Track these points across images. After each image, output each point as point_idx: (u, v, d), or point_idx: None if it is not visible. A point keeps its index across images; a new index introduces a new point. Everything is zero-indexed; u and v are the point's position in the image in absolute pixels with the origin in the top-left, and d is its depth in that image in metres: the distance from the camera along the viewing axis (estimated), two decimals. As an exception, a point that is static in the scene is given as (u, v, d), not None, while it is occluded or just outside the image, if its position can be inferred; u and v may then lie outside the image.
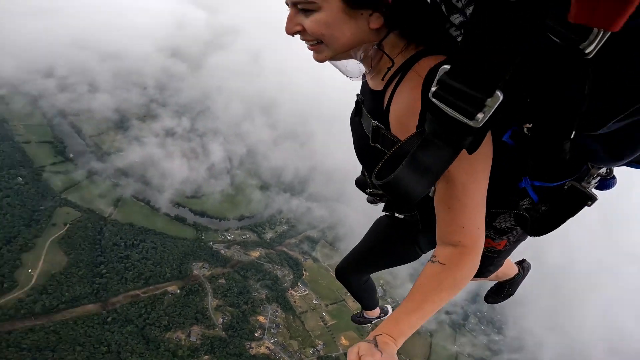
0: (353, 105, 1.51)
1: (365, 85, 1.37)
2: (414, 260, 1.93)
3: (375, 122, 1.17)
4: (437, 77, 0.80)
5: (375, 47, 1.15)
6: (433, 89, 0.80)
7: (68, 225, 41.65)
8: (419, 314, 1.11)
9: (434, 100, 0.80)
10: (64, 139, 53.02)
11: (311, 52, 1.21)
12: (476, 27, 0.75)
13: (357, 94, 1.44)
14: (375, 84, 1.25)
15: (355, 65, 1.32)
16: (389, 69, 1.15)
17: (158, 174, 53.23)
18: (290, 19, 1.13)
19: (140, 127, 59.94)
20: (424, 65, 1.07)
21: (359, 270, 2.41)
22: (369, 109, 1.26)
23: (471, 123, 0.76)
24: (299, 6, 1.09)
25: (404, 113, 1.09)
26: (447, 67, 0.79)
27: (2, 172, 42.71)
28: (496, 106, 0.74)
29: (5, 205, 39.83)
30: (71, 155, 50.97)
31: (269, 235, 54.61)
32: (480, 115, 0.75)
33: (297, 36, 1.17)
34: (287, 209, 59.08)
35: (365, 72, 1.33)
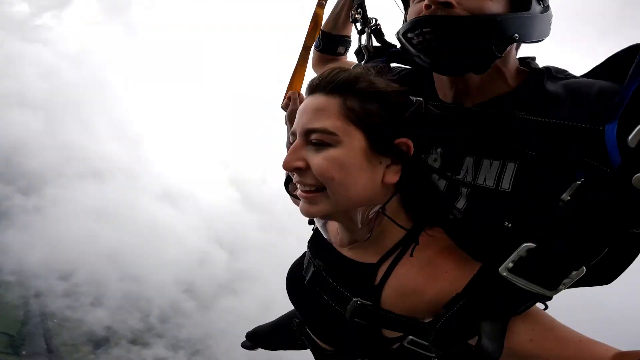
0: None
1: (329, 252, 1.12)
2: None
3: (359, 300, 0.96)
4: (516, 254, 0.77)
5: (379, 210, 0.95)
6: (510, 264, 0.77)
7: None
8: None
9: (507, 275, 0.77)
10: (28, 338, 44.51)
11: (301, 202, 0.97)
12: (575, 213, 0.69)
13: (313, 259, 1.15)
14: (361, 255, 1.04)
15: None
16: (399, 242, 0.98)
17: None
18: (295, 150, 0.91)
19: (128, 349, 49.62)
20: (430, 239, 0.97)
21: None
22: (341, 280, 1.04)
23: (548, 293, 0.76)
24: (313, 137, 0.89)
25: (412, 290, 0.93)
26: (532, 245, 0.75)
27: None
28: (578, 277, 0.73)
29: None
30: (24, 352, 42.21)
31: None
32: (562, 287, 0.75)
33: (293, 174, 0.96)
34: None
35: (338, 239, 1.10)
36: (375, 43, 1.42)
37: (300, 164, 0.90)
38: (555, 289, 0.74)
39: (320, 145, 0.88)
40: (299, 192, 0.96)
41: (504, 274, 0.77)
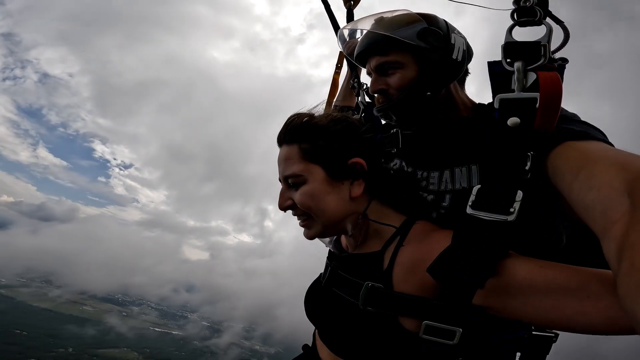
0: None
1: (342, 255, 1.27)
2: None
3: (370, 283, 1.05)
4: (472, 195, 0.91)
5: (361, 217, 1.14)
6: (470, 204, 0.90)
7: None
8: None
9: (472, 212, 0.88)
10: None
11: (303, 230, 1.20)
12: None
13: (330, 264, 1.31)
14: (367, 249, 1.17)
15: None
16: (395, 234, 1.10)
17: None
18: (282, 194, 1.15)
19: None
20: (423, 226, 1.10)
21: None
22: (353, 273, 1.15)
23: (508, 218, 0.83)
24: (289, 180, 1.11)
25: (418, 260, 1.01)
26: (479, 186, 0.92)
27: None
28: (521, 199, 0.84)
29: None
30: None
31: None
32: (514, 210, 0.83)
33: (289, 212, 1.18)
34: None
35: (346, 242, 1.29)
36: (367, 99, 1.75)
37: (288, 202, 1.13)
38: (509, 213, 0.83)
39: (296, 185, 1.10)
40: (298, 223, 1.19)
41: (469, 212, 0.89)
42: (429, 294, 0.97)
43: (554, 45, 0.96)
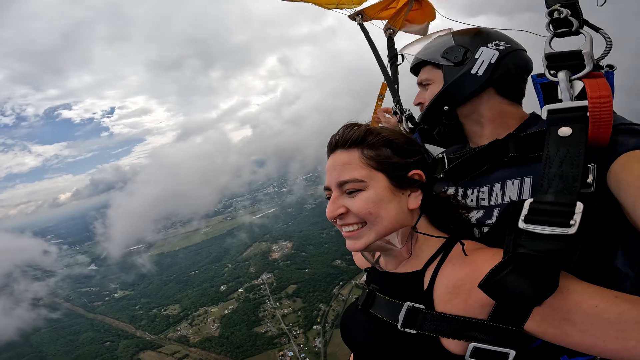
0: None
1: (381, 276, 1.26)
2: None
3: (411, 304, 1.02)
4: (525, 207, 0.86)
5: (412, 229, 1.13)
6: (523, 217, 0.85)
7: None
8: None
9: (525, 227, 0.83)
10: None
11: (347, 241, 1.14)
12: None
13: (367, 285, 1.27)
14: (405, 267, 1.16)
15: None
16: (439, 249, 1.10)
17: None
18: (334, 201, 1.11)
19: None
20: (466, 244, 1.05)
21: None
22: (392, 293, 1.13)
23: (568, 231, 0.77)
24: (346, 187, 1.08)
25: (461, 281, 0.97)
26: (531, 199, 0.87)
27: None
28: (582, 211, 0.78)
29: None
30: None
31: None
32: (574, 223, 0.77)
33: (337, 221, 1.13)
34: None
35: (383, 259, 1.27)
36: (410, 125, 1.88)
37: (341, 210, 1.09)
38: (569, 225, 0.77)
39: (354, 192, 1.08)
40: (344, 233, 1.14)
41: (522, 226, 0.83)
42: (474, 315, 0.94)
43: (597, 53, 0.96)
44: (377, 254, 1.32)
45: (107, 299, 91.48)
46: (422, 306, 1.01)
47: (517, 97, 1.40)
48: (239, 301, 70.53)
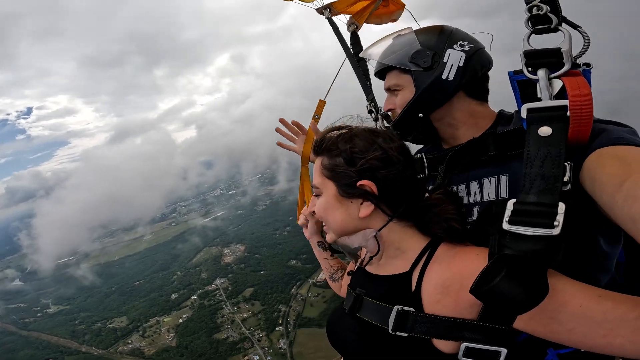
0: None
1: (366, 278, 1.25)
2: None
3: (400, 307, 1.02)
4: (508, 209, 0.85)
5: (375, 235, 1.14)
6: (507, 219, 0.84)
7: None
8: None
9: (509, 228, 0.83)
10: None
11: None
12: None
13: (353, 290, 1.24)
14: (392, 269, 1.15)
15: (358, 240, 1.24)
16: (424, 249, 1.09)
17: None
18: (312, 201, 1.33)
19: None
20: (450, 246, 1.07)
21: None
22: (380, 296, 1.12)
23: (552, 232, 0.78)
24: (314, 191, 1.22)
25: (449, 280, 0.98)
26: (514, 200, 0.86)
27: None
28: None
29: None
30: None
31: None
32: (557, 223, 0.77)
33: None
34: None
35: (366, 260, 1.28)
36: (386, 124, 1.76)
37: (313, 209, 1.33)
38: (553, 227, 0.77)
39: (317, 196, 1.21)
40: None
41: (506, 227, 0.83)
42: (464, 314, 0.95)
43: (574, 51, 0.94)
44: (364, 254, 1.35)
45: (39, 315, 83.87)
46: (411, 309, 1.01)
47: (484, 96, 1.44)
48: (194, 309, 68.88)
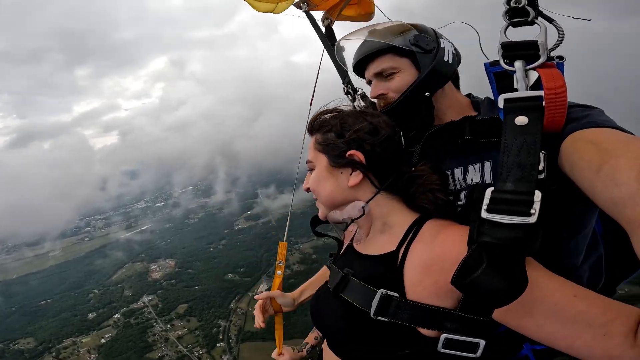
0: None
1: (354, 258, 1.26)
2: None
3: (384, 291, 1.01)
4: (486, 198, 0.84)
5: (364, 206, 1.16)
6: (485, 207, 0.83)
7: None
8: None
9: (487, 217, 0.82)
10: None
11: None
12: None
13: (341, 269, 1.22)
14: (380, 249, 1.15)
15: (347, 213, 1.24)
16: (410, 227, 1.11)
17: None
18: (307, 177, 1.29)
19: None
20: (435, 222, 1.09)
21: None
22: (365, 277, 1.12)
23: (529, 220, 0.77)
24: (307, 166, 1.27)
25: (431, 260, 0.99)
26: (492, 188, 0.85)
27: None
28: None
29: None
30: None
31: None
32: (534, 211, 0.77)
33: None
34: None
35: (355, 239, 1.32)
36: (362, 104, 1.84)
37: (306, 185, 1.29)
38: (529, 215, 0.78)
39: (311, 170, 1.26)
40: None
41: (484, 216, 0.83)
42: (445, 296, 0.97)
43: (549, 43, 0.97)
44: (353, 233, 1.38)
45: None
46: (396, 294, 1.01)
47: (458, 86, 1.54)
48: (118, 328, 62.65)
